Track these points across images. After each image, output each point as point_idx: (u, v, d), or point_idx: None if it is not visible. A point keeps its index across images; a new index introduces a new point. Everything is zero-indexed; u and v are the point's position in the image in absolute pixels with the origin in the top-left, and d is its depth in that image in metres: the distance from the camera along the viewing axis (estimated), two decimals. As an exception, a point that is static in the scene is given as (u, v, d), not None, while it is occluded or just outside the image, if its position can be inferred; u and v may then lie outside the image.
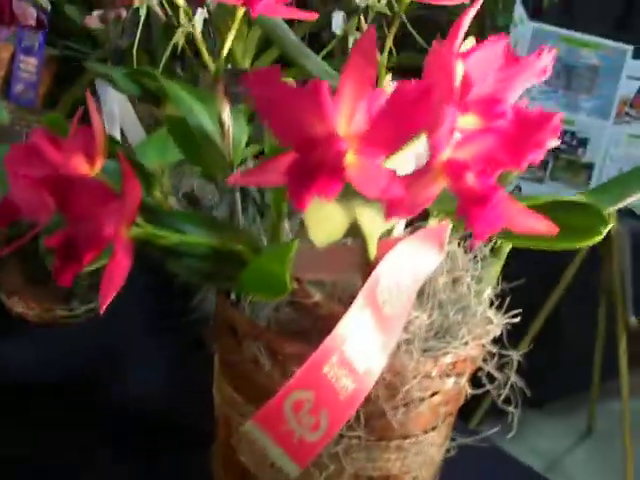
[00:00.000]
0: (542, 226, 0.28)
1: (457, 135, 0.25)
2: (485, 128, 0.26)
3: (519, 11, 1.59)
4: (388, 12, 0.53)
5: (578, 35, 1.72)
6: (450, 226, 0.39)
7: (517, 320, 0.48)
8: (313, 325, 0.43)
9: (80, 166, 0.36)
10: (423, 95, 0.24)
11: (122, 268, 0.32)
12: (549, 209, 0.37)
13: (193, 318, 0.76)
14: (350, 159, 0.25)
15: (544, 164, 1.85)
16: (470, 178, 0.25)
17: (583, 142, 1.82)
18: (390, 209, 0.27)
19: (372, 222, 0.36)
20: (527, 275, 0.51)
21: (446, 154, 0.25)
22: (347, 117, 0.25)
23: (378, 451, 0.44)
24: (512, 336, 0.48)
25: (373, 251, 0.39)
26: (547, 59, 0.31)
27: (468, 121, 0.26)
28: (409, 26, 0.63)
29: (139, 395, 0.68)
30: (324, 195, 0.25)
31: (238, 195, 0.44)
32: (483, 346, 0.46)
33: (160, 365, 0.75)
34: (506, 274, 0.50)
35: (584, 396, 1.79)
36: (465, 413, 0.53)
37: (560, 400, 1.78)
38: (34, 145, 0.35)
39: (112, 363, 0.74)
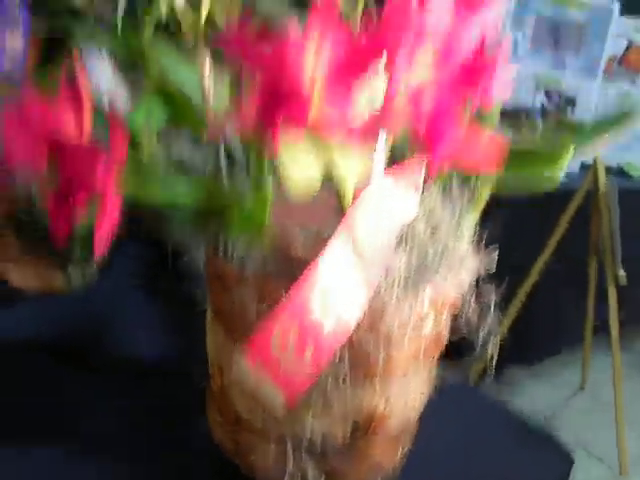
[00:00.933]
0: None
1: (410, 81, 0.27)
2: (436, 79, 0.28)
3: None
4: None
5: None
6: (424, 165, 0.41)
7: (495, 255, 0.50)
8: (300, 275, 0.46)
9: (69, 126, 0.38)
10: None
11: (111, 220, 0.34)
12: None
13: (183, 279, 0.78)
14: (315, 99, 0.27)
15: (533, 125, 1.86)
16: (424, 120, 0.27)
17: (571, 101, 1.83)
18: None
19: (346, 167, 0.38)
20: (515, 237, 0.51)
21: (400, 99, 0.27)
22: (312, 63, 0.27)
23: (362, 391, 0.46)
24: (503, 299, 0.49)
25: (349, 197, 0.41)
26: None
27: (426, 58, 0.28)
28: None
29: (133, 356, 0.70)
30: (294, 122, 0.27)
31: (222, 153, 0.46)
32: (462, 285, 0.48)
33: (154, 327, 0.76)
34: (494, 237, 0.51)
35: (575, 352, 1.83)
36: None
37: (552, 358, 1.83)
38: (25, 106, 0.37)
39: (104, 327, 0.75)
